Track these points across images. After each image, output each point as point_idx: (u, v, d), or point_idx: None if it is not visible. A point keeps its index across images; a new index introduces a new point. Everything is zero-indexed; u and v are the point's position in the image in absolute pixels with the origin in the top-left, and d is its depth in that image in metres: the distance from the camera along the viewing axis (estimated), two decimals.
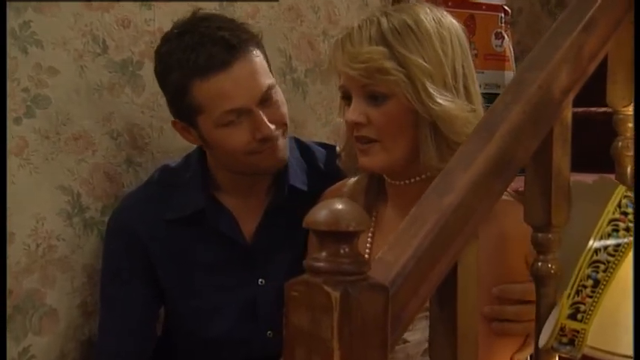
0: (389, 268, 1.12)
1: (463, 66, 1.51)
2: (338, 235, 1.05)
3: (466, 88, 1.51)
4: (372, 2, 2.33)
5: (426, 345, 1.33)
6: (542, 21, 3.11)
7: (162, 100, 1.91)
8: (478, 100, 1.53)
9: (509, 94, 1.28)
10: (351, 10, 2.28)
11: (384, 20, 1.48)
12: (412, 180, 1.54)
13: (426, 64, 1.45)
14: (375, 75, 1.45)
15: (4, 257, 1.70)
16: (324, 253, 1.06)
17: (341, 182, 1.68)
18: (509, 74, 2.52)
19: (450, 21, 1.53)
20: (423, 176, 1.52)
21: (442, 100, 1.45)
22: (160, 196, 1.75)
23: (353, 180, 1.65)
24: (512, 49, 2.54)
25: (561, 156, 1.31)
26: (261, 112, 1.62)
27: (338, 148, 1.63)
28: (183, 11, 1.92)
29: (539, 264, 1.32)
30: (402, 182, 1.55)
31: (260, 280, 1.74)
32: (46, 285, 1.78)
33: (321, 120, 2.22)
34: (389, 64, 1.44)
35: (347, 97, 1.52)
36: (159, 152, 1.94)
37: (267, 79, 1.64)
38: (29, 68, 1.73)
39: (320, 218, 1.05)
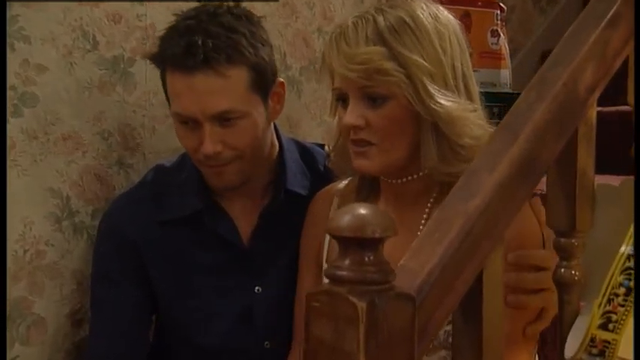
0: (413, 277, 1.06)
1: (462, 64, 1.46)
2: (363, 242, 0.99)
3: (466, 86, 1.46)
4: None
5: None
6: (534, 19, 3.08)
7: (154, 99, 1.85)
8: (477, 99, 1.48)
9: (533, 92, 1.22)
10: (347, 6, 2.22)
11: (380, 18, 1.42)
12: (408, 178, 1.49)
13: (426, 63, 1.40)
14: (375, 76, 1.39)
15: (4, 257, 1.64)
16: (347, 261, 1.00)
17: (331, 185, 1.63)
18: (505, 72, 2.47)
19: (447, 16, 1.47)
20: (420, 174, 1.47)
21: (444, 100, 1.40)
22: (154, 197, 1.69)
23: (345, 181, 1.59)
24: (507, 47, 2.49)
25: (586, 157, 1.26)
26: (209, 129, 1.54)
27: (327, 148, 1.57)
28: (175, 6, 1.86)
29: (562, 270, 1.27)
30: (398, 180, 1.49)
31: (257, 287, 1.67)
32: (34, 293, 1.71)
33: (316, 119, 2.16)
34: (388, 65, 1.39)
35: (342, 99, 1.46)
36: (151, 153, 1.87)
37: (227, 104, 1.54)
38: (16, 65, 1.66)
39: (344, 224, 0.99)
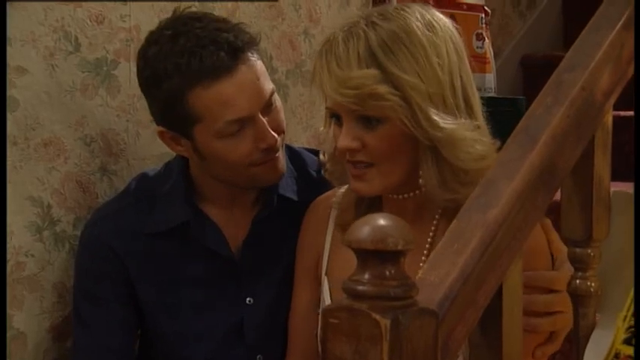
0: (434, 291, 1.01)
1: (461, 76, 1.38)
2: (384, 255, 0.94)
3: (466, 101, 1.38)
4: (353, 1, 2.22)
5: None
6: (513, 22, 3.06)
7: (139, 103, 1.78)
8: (479, 110, 1.41)
9: (549, 96, 1.18)
10: (333, 9, 2.17)
11: (371, 34, 1.33)
12: (410, 194, 1.43)
13: (422, 84, 1.32)
14: (368, 101, 1.32)
15: (4, 257, 1.58)
16: (366, 275, 0.95)
17: (328, 193, 1.57)
18: (490, 77, 2.44)
19: (443, 23, 1.39)
20: (423, 189, 1.40)
21: (444, 123, 1.32)
22: (138, 207, 1.62)
23: (343, 190, 1.53)
24: (492, 51, 2.45)
25: (602, 164, 1.22)
26: (263, 121, 1.51)
27: (322, 157, 1.52)
28: (160, 6, 1.80)
29: (578, 282, 1.23)
30: (400, 196, 1.44)
31: (248, 299, 1.61)
32: (14, 306, 1.63)
33: (302, 124, 2.11)
34: (382, 89, 1.31)
35: (335, 117, 1.39)
36: (135, 159, 1.80)
37: (270, 84, 1.53)
38: None
39: (363, 236, 0.94)
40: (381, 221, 0.94)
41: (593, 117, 1.18)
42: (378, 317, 0.92)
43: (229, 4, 1.90)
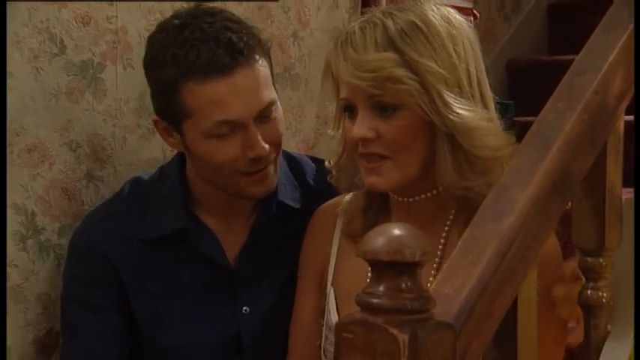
0: (449, 303, 0.97)
1: (477, 69, 1.37)
2: (400, 267, 0.90)
3: (482, 93, 1.37)
4: (343, 3, 2.18)
5: None
6: (498, 26, 3.04)
7: (126, 108, 1.74)
8: (492, 105, 1.40)
9: (561, 100, 1.14)
10: (322, 11, 2.12)
11: (389, 22, 1.33)
12: (422, 196, 1.40)
13: (440, 70, 1.30)
14: (386, 84, 1.30)
15: (4, 257, 1.54)
16: (381, 287, 0.92)
17: (335, 200, 1.53)
18: None
19: (459, 19, 1.39)
20: (435, 192, 1.39)
21: (460, 109, 1.31)
22: (131, 212, 1.56)
23: (348, 197, 1.49)
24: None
25: (614, 170, 1.19)
26: (255, 129, 1.45)
27: (327, 164, 1.48)
28: (148, 7, 1.76)
29: (589, 292, 1.20)
30: (411, 199, 1.40)
31: (244, 308, 1.56)
32: None
33: (292, 129, 2.06)
34: (400, 72, 1.29)
35: (349, 110, 1.36)
36: (122, 165, 1.75)
37: (270, 94, 1.47)
38: None
39: (379, 246, 0.90)
40: (397, 231, 0.91)
41: (606, 122, 1.15)
42: (395, 332, 0.88)
43: (218, 5, 1.85)
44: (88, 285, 1.55)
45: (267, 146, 1.46)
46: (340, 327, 0.92)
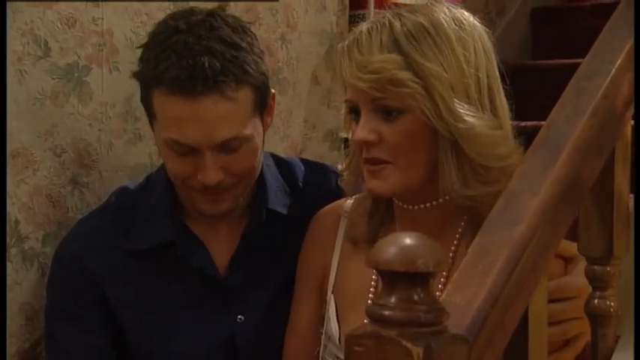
0: (461, 314, 0.94)
1: (488, 75, 1.32)
2: (413, 277, 0.87)
3: (492, 101, 1.32)
4: (331, 6, 2.14)
5: None
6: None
7: (111, 112, 1.70)
8: (505, 114, 1.35)
9: (569, 105, 1.11)
10: (310, 14, 2.09)
11: (396, 23, 1.29)
12: (427, 205, 1.35)
13: (445, 74, 1.26)
14: (388, 87, 1.26)
15: (4, 257, 1.52)
16: (393, 299, 0.88)
17: (336, 204, 1.49)
18: None
19: (473, 22, 1.34)
20: (440, 200, 1.34)
21: (465, 115, 1.26)
22: (119, 223, 1.52)
23: (350, 201, 1.45)
24: None
25: (622, 176, 1.16)
26: (211, 157, 1.39)
27: (339, 167, 1.44)
28: (134, 9, 1.72)
29: (596, 301, 1.17)
30: (416, 207, 1.36)
31: (239, 317, 1.51)
32: None
33: (279, 133, 2.02)
34: (404, 75, 1.25)
35: (354, 112, 1.33)
36: (108, 171, 1.71)
37: (234, 130, 1.39)
38: None
39: (391, 256, 0.87)
40: (409, 240, 0.87)
41: (614, 127, 1.12)
42: (409, 345, 0.84)
43: (208, 7, 1.81)
44: (70, 297, 1.50)
45: (220, 176, 1.40)
46: (351, 340, 0.88)
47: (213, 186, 1.41)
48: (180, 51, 1.36)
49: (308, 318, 1.45)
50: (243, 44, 1.40)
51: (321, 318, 1.43)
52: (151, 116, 1.44)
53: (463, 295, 0.95)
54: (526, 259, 0.98)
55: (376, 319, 0.87)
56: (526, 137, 1.32)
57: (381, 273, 0.87)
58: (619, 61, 1.13)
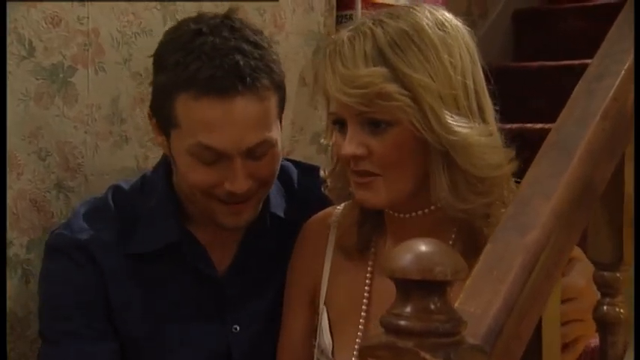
0: (476, 323, 0.91)
1: (474, 81, 1.28)
2: (430, 286, 0.84)
3: (480, 106, 1.28)
4: (318, 7, 2.11)
5: None
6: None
7: (97, 114, 1.67)
8: (492, 117, 1.31)
9: (578, 108, 1.09)
10: (297, 14, 2.06)
11: (378, 31, 1.24)
12: (418, 212, 1.32)
13: (434, 84, 1.22)
14: (376, 101, 1.22)
15: (4, 257, 1.50)
16: (409, 308, 0.85)
17: (325, 211, 1.45)
18: None
19: (455, 24, 1.30)
20: (432, 207, 1.30)
21: (456, 127, 1.23)
22: (120, 225, 1.46)
23: (340, 209, 1.41)
24: None
25: (631, 180, 1.13)
26: (241, 164, 1.36)
27: (322, 173, 1.40)
28: (121, 8, 1.68)
29: (605, 308, 1.14)
30: (407, 215, 1.33)
31: (234, 327, 1.48)
32: None
33: None
34: (391, 88, 1.21)
35: (339, 124, 1.29)
36: (94, 175, 1.67)
37: (265, 133, 1.37)
38: None
39: (407, 264, 0.84)
40: (425, 247, 0.84)
41: (625, 130, 1.10)
42: (427, 356, 0.82)
43: (192, 7, 1.77)
44: (74, 292, 1.42)
45: (249, 183, 1.38)
46: (365, 351, 0.86)
47: (241, 195, 1.37)
48: (209, 51, 1.33)
49: (299, 330, 1.41)
50: (265, 44, 1.38)
51: (313, 329, 1.39)
52: (170, 125, 1.38)
53: (477, 302, 0.92)
54: (541, 266, 0.96)
55: (392, 329, 0.84)
56: (510, 140, 1.30)
57: (397, 281, 0.84)
58: (628, 63, 1.11)
